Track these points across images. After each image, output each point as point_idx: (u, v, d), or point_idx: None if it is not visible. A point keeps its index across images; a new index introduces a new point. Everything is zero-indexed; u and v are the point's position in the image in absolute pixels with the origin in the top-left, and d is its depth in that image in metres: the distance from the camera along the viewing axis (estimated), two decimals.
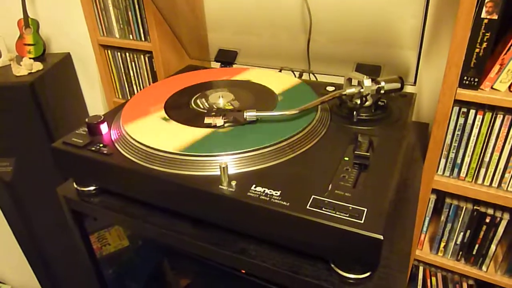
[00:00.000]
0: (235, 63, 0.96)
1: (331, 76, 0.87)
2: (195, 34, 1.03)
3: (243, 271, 0.57)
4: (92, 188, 0.65)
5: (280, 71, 0.91)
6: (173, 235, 0.56)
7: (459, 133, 0.79)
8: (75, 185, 0.66)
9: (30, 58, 1.28)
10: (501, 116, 0.73)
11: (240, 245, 0.53)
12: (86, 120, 0.63)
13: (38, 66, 1.27)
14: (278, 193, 0.48)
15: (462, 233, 0.88)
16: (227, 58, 0.96)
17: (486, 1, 0.64)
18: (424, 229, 0.94)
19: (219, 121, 0.60)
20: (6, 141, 1.29)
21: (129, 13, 1.10)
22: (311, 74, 0.92)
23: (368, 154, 0.53)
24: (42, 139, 1.29)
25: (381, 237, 0.41)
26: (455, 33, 0.67)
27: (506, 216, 0.82)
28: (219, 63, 0.97)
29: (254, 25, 0.92)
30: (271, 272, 0.50)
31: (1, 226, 1.55)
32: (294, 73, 0.91)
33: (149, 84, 1.19)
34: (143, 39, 1.12)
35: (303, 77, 0.90)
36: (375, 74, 0.77)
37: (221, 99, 0.69)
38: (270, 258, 0.51)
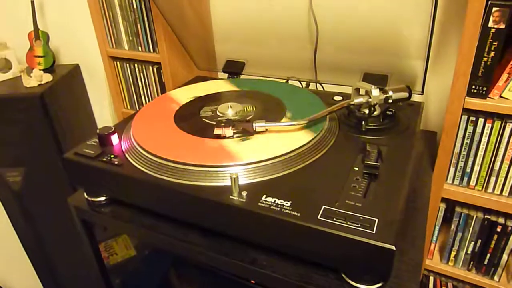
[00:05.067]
0: (243, 74, 0.97)
1: (338, 86, 0.87)
2: (203, 45, 1.04)
3: (253, 282, 0.57)
4: (102, 198, 0.66)
5: (287, 81, 0.92)
6: (183, 245, 0.57)
7: (468, 141, 0.78)
8: (85, 195, 0.67)
9: (40, 69, 1.30)
10: (511, 124, 0.73)
11: (251, 255, 0.53)
12: (98, 131, 0.63)
13: (47, 77, 1.29)
14: (289, 203, 0.48)
15: (473, 242, 0.87)
16: (234, 68, 0.97)
17: (493, 11, 0.65)
18: (434, 238, 0.93)
19: (229, 132, 0.60)
20: (16, 151, 1.30)
21: (138, 25, 1.12)
22: (318, 84, 0.92)
23: (377, 163, 0.53)
24: (51, 149, 1.30)
25: (393, 247, 0.41)
26: (462, 43, 0.67)
27: None
28: (227, 74, 0.98)
29: (261, 36, 0.93)
30: (281, 282, 0.50)
31: (9, 235, 1.55)
32: (301, 83, 0.92)
33: (158, 95, 1.21)
34: (151, 50, 1.13)
35: (310, 87, 0.91)
36: (382, 84, 0.77)
37: (230, 109, 0.70)
38: (280, 268, 0.51)
